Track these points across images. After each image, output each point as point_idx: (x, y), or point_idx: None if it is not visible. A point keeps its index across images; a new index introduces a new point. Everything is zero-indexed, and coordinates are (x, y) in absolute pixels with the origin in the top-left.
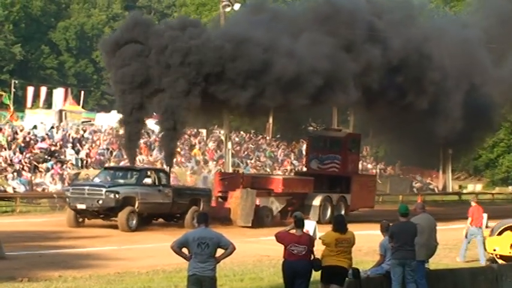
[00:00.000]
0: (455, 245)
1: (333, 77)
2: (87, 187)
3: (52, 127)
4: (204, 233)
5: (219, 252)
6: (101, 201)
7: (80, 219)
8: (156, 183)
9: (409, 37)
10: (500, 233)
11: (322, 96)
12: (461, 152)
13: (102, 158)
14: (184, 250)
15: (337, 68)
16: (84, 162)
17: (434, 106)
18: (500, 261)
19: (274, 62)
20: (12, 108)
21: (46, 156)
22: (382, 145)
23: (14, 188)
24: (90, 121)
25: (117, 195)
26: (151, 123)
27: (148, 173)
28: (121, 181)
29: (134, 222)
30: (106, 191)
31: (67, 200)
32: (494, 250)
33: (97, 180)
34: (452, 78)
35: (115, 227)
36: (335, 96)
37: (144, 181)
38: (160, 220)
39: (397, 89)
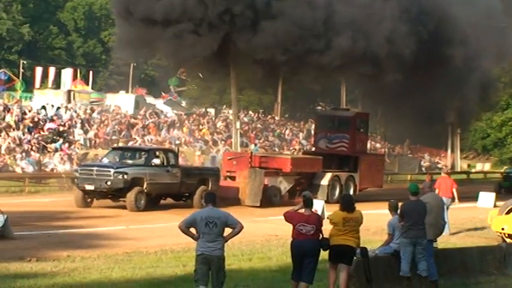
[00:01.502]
0: (463, 224)
1: (383, 62)
2: (95, 168)
3: (59, 107)
4: (212, 212)
5: (227, 231)
6: (109, 182)
7: (89, 200)
8: (165, 163)
9: (436, 6)
10: (508, 212)
11: (360, 82)
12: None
13: (110, 138)
14: (192, 230)
15: (392, 53)
16: (93, 142)
17: (453, 82)
18: (508, 240)
19: (329, 43)
20: (19, 94)
21: (54, 137)
22: (391, 124)
23: (22, 168)
24: (99, 101)
25: (125, 176)
26: (160, 104)
27: (157, 153)
28: (129, 161)
29: (142, 202)
30: (114, 172)
31: (75, 180)
32: (503, 229)
33: (105, 160)
34: (475, 54)
35: (123, 207)
36: (373, 80)
37: (152, 161)
38: (169, 200)
39: (420, 63)
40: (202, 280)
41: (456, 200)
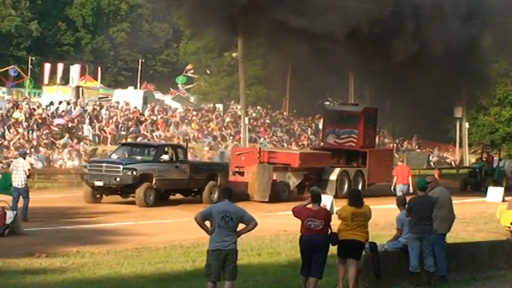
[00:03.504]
0: (473, 218)
1: (423, 62)
2: (104, 164)
3: (68, 103)
4: (229, 206)
5: (240, 227)
6: (118, 179)
7: (98, 196)
8: (174, 159)
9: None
10: None
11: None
12: None
13: (119, 133)
14: (207, 223)
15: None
16: (101, 138)
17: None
18: None
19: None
20: (27, 91)
21: (63, 133)
22: (399, 119)
23: (31, 164)
24: (108, 97)
25: (134, 173)
26: (169, 99)
27: (166, 149)
28: (138, 157)
29: (151, 198)
30: (123, 168)
31: (84, 176)
32: None
33: (114, 156)
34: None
35: (132, 202)
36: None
37: (161, 157)
38: (178, 195)
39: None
40: (214, 276)
41: (411, 188)
